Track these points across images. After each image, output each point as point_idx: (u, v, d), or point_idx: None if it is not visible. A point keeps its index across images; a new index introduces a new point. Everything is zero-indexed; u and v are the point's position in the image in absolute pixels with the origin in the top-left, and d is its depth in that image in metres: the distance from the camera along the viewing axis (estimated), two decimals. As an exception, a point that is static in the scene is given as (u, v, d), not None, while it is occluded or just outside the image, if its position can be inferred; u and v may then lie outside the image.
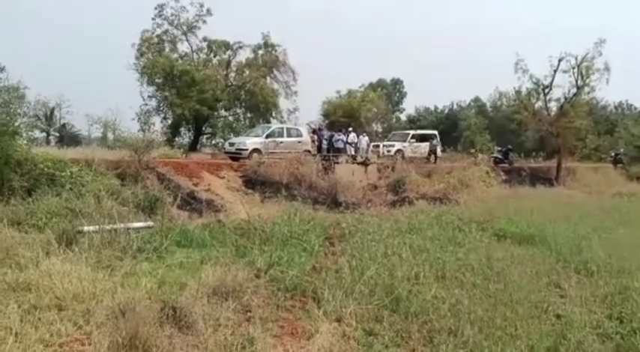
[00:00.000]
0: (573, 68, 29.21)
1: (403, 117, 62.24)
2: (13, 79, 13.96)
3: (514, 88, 32.65)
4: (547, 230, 12.57)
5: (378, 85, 54.01)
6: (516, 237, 12.05)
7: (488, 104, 54.15)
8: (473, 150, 29.90)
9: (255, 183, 20.14)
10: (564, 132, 29.57)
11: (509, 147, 32.63)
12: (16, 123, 14.04)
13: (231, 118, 36.69)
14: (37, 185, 13.33)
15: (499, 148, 33.22)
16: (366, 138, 29.81)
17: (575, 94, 29.84)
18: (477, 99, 57.58)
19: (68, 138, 48.45)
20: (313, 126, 30.89)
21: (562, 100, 30.30)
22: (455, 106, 60.12)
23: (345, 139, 27.07)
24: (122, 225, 9.44)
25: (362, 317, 6.56)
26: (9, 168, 12.88)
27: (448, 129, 48.94)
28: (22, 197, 12.47)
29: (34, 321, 5.53)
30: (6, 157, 12.74)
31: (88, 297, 6.26)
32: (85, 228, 9.39)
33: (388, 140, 31.92)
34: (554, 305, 7.28)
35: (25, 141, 15.00)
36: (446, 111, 59.90)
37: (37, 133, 41.79)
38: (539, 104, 31.19)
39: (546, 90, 30.12)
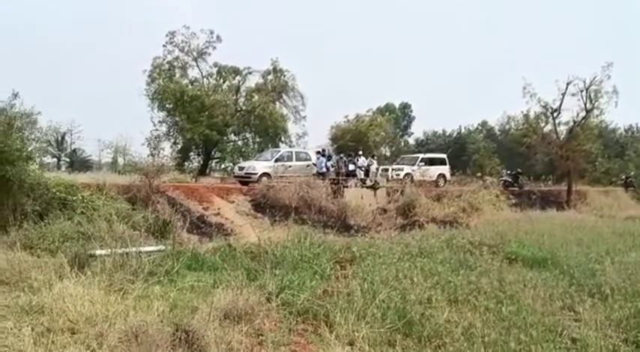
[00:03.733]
0: (582, 91, 29.32)
1: (412, 140, 62.48)
2: (26, 105, 14.23)
3: (522, 112, 32.75)
4: (559, 253, 12.49)
5: (387, 110, 54.33)
6: (528, 260, 11.98)
7: (496, 128, 54.20)
8: (481, 174, 29.87)
9: (265, 206, 20.20)
10: (574, 155, 29.49)
11: (519, 170, 32.55)
12: (29, 149, 14.24)
13: (240, 143, 36.94)
14: (49, 209, 13.47)
15: (508, 171, 33.14)
16: (375, 161, 29.85)
17: (584, 117, 29.88)
18: (484, 123, 57.71)
19: (79, 163, 48.97)
20: (319, 149, 30.87)
21: (571, 123, 30.33)
22: (463, 130, 60.21)
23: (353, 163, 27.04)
24: (134, 249, 9.47)
25: (374, 340, 6.52)
26: (22, 193, 13.02)
27: (457, 152, 48.88)
28: (35, 221, 12.59)
29: (48, 344, 5.54)
30: (19, 182, 12.89)
31: (101, 320, 6.25)
32: (97, 252, 9.44)
33: (397, 164, 31.92)
34: (568, 329, 7.20)
35: (37, 166, 15.18)
36: (454, 134, 59.94)
37: (48, 158, 42.38)
38: (548, 127, 31.23)
39: (555, 114, 30.19)
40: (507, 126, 48.74)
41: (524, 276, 10.12)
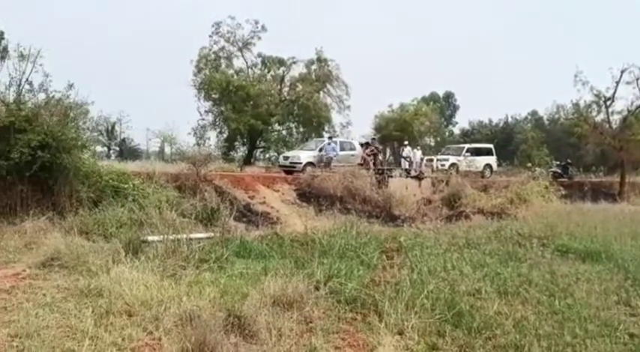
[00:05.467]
0: (637, 79, 28.20)
1: (456, 130, 61.52)
2: (80, 96, 14.71)
3: (572, 101, 31.80)
4: (613, 246, 12.08)
5: (431, 99, 53.61)
6: (580, 253, 11.62)
7: (545, 117, 52.80)
8: (530, 165, 29.18)
9: (310, 196, 20.32)
10: (628, 145, 28.40)
11: (569, 161, 31.68)
12: (84, 138, 14.71)
13: (284, 132, 37.18)
14: (102, 196, 13.91)
15: (558, 162, 32.29)
16: (420, 152, 29.57)
17: (639, 106, 28.74)
18: (534, 113, 56.22)
19: (128, 151, 50.35)
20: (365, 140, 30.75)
21: (625, 112, 29.24)
22: (510, 119, 58.81)
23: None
24: (184, 236, 9.69)
25: (424, 331, 6.48)
26: (77, 180, 13.48)
27: (503, 142, 47.86)
28: (89, 207, 13.04)
29: (107, 325, 5.75)
30: (75, 169, 13.34)
31: (156, 304, 6.44)
32: (150, 238, 9.70)
33: (442, 154, 31.53)
34: (625, 324, 6.97)
35: (91, 155, 15.68)
36: (501, 124, 58.61)
37: (99, 147, 43.70)
38: (600, 117, 30.24)
39: (608, 103, 29.17)
40: (557, 116, 47.48)
41: (576, 269, 9.83)
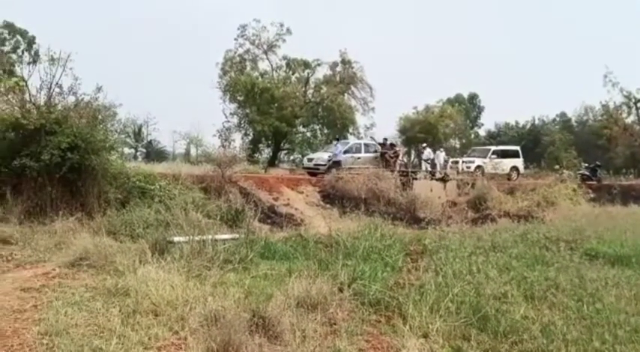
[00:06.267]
0: (669, 80, 27.55)
1: (482, 132, 60.92)
2: (108, 98, 14.97)
3: (601, 102, 31.23)
4: (644, 251, 11.81)
5: (456, 100, 53.21)
6: (609, 257, 11.41)
7: (573, 119, 51.92)
8: (558, 167, 28.72)
9: (334, 197, 20.33)
10: (660, 148, 27.82)
11: (598, 163, 31.06)
12: (112, 139, 14.96)
13: (308, 134, 37.34)
14: (129, 197, 14.15)
15: (586, 165, 31.72)
16: (444, 153, 29.35)
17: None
18: (562, 115, 55.34)
19: (154, 153, 51.05)
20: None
21: (657, 114, 28.63)
22: (537, 121, 57.98)
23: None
24: (209, 237, 9.76)
25: (449, 334, 6.42)
26: (106, 181, 13.73)
27: (530, 145, 47.22)
28: (117, 208, 13.26)
29: (134, 324, 5.83)
30: (103, 171, 13.57)
31: (182, 304, 6.51)
32: (176, 239, 9.80)
33: (467, 156, 31.24)
34: (656, 331, 6.81)
35: (118, 156, 15.94)
36: (528, 126, 57.80)
37: (126, 149, 44.39)
38: (630, 118, 29.63)
39: (639, 104, 28.55)
40: (585, 118, 46.71)
41: (605, 274, 9.64)
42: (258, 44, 35.53)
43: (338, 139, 27.77)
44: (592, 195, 24.71)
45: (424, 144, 30.54)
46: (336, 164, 24.48)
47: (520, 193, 23.25)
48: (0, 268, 8.78)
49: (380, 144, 27.06)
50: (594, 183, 28.20)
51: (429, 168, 27.53)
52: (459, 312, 6.98)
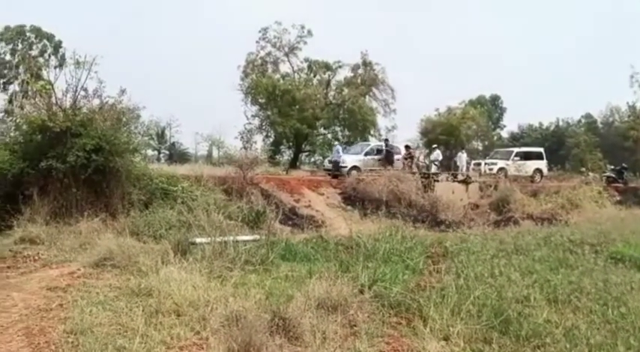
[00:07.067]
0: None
1: (505, 134, 60.30)
2: (132, 101, 15.18)
3: (628, 103, 30.67)
4: (671, 255, 11.58)
5: (478, 102, 52.74)
6: (635, 260, 11.21)
7: (598, 120, 51.07)
8: (583, 169, 28.30)
9: (354, 199, 20.31)
10: (687, 149, 27.24)
11: (624, 165, 30.52)
12: (135, 142, 15.16)
13: (329, 136, 37.32)
14: (152, 198, 14.31)
15: (612, 167, 31.17)
16: (466, 155, 29.12)
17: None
18: (588, 116, 54.43)
19: (177, 155, 51.53)
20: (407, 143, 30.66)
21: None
22: (561, 123, 57.15)
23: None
24: (231, 238, 9.83)
25: (470, 337, 6.36)
26: (129, 183, 13.91)
27: (554, 146, 46.57)
28: (140, 209, 13.42)
29: (157, 324, 5.90)
30: (127, 172, 13.75)
31: (203, 305, 6.57)
32: (197, 240, 9.89)
33: (490, 158, 30.94)
34: (683, 336, 6.67)
35: (142, 158, 16.15)
36: (552, 128, 57.00)
37: (149, 151, 44.94)
38: (658, 120, 29.08)
39: (666, 105, 28.03)
40: (611, 119, 45.88)
41: (631, 278, 9.47)
42: (280, 46, 35.72)
43: (338, 140, 27.92)
44: (618, 198, 24.32)
45: (434, 146, 30.38)
46: (335, 165, 24.81)
47: (544, 195, 23.00)
48: (27, 267, 8.98)
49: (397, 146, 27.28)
50: (620, 185, 27.74)
51: (436, 170, 27.45)
52: (480, 315, 6.92)
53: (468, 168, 28.30)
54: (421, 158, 29.34)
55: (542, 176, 28.82)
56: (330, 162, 26.15)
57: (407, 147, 27.62)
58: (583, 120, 55.46)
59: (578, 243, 12.80)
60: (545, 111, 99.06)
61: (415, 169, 25.33)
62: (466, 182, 24.88)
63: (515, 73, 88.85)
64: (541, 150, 31.44)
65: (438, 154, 28.84)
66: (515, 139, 53.80)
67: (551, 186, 25.06)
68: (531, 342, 6.29)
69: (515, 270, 9.53)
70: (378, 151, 26.29)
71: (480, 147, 46.82)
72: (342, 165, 24.61)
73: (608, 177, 28.79)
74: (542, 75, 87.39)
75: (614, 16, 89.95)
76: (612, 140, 43.03)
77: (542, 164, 29.59)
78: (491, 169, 28.05)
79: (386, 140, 28.70)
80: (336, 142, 27.96)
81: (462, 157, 29.69)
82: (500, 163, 28.36)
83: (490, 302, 7.41)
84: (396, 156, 25.85)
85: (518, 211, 20.80)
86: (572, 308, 7.68)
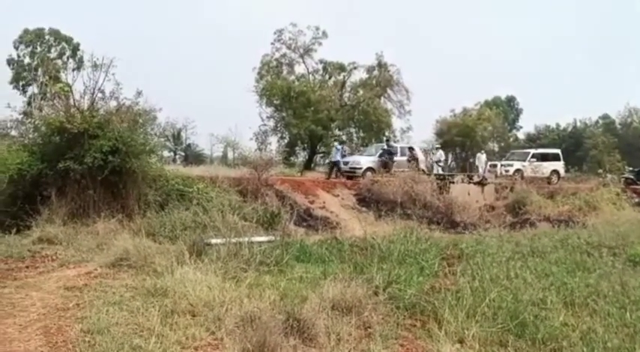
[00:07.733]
0: None
1: (521, 135, 59.81)
2: (148, 103, 15.31)
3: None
4: (691, 258, 11.39)
5: (494, 103, 52.42)
6: (654, 264, 11.05)
7: (617, 121, 50.41)
8: (601, 171, 27.97)
9: (369, 201, 20.28)
10: None
11: (644, 166, 30.09)
12: (152, 143, 15.29)
13: (344, 137, 37.30)
14: (168, 199, 14.38)
15: (631, 168, 30.76)
16: (485, 156, 28.96)
17: None
18: (605, 116, 53.76)
19: (193, 156, 51.86)
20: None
21: None
22: (579, 124, 56.50)
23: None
24: (246, 239, 9.86)
25: (485, 340, 6.32)
26: (145, 184, 14.02)
27: (572, 148, 46.06)
28: (156, 210, 13.51)
29: (172, 324, 5.94)
30: (143, 174, 13.86)
31: (218, 305, 6.60)
32: (213, 241, 9.92)
33: (506, 159, 30.71)
34: (703, 341, 6.56)
35: (158, 159, 16.28)
36: (569, 129, 56.38)
37: (165, 152, 45.29)
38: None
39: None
40: (629, 120, 45.25)
41: (649, 281, 9.35)
42: (295, 48, 35.80)
43: (339, 142, 27.84)
44: (637, 200, 24.00)
45: (437, 146, 30.25)
46: (335, 165, 24.78)
47: (561, 197, 22.79)
48: (45, 267, 9.09)
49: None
50: (639, 187, 27.35)
51: (440, 171, 27.27)
52: (495, 318, 6.87)
53: (484, 170, 28.13)
54: (427, 159, 29.24)
55: (559, 177, 28.55)
56: (329, 162, 25.95)
57: (410, 148, 27.50)
58: (601, 121, 54.82)
59: (595, 245, 12.64)
60: (563, 112, 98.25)
61: (423, 169, 25.18)
62: (482, 183, 24.73)
63: (531, 73, 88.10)
64: (558, 151, 31.15)
65: (440, 155, 28.75)
66: (532, 140, 53.24)
67: (568, 188, 24.80)
68: (548, 346, 6.24)
69: (531, 273, 9.45)
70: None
71: (496, 149, 46.49)
72: (357, 166, 24.58)
73: (626, 178, 28.45)
74: (559, 76, 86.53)
75: (633, 15, 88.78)
76: (631, 141, 42.52)
77: (560, 165, 29.31)
78: (507, 171, 27.86)
79: (387, 140, 28.59)
80: (336, 142, 27.79)
81: (482, 158, 29.52)
82: (517, 165, 28.16)
83: (506, 305, 7.35)
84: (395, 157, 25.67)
85: (534, 213, 20.64)
86: (590, 311, 7.60)
